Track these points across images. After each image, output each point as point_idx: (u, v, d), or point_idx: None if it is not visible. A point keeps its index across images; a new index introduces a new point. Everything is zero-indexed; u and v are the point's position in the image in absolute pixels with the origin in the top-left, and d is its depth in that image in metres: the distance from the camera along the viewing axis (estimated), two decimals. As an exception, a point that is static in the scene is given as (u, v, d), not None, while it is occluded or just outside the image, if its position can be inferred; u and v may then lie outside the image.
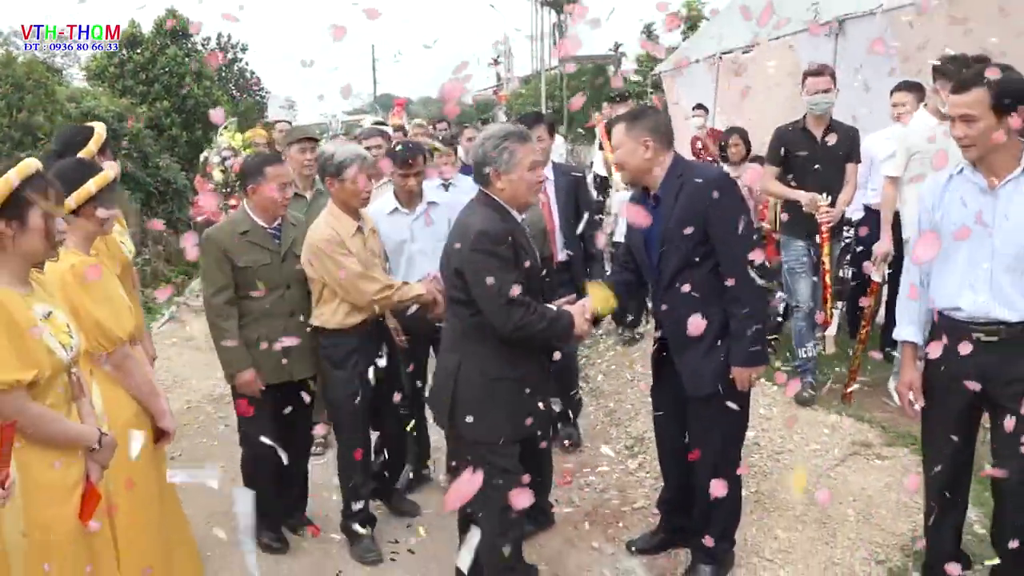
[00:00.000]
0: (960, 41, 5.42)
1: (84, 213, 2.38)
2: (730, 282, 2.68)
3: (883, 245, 4.16)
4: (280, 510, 3.51)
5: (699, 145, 8.47)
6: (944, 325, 2.50)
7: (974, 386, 2.39)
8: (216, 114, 3.72)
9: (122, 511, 2.30)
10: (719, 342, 2.77)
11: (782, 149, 4.34)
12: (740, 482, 3.02)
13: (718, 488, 2.64)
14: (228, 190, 6.07)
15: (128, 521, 2.31)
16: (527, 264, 2.61)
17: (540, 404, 2.73)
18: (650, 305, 3.77)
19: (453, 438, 2.79)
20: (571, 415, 4.45)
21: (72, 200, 2.30)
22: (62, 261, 2.17)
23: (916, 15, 6.17)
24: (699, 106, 9.48)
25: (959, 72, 2.92)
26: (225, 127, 6.63)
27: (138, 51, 18.56)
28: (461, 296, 2.62)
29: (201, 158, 6.81)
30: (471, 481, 1.95)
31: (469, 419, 2.61)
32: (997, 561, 2.54)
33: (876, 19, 6.81)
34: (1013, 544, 2.41)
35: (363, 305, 3.17)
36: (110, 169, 2.43)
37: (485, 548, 2.65)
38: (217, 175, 6.17)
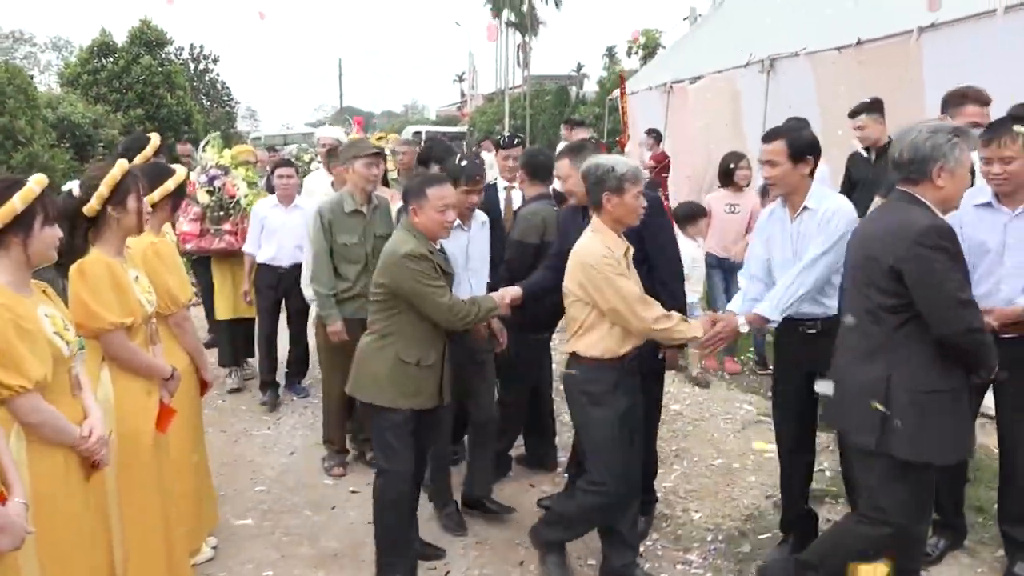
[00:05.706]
0: (864, 84, 6.37)
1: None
2: (662, 276, 3.26)
3: None
4: (415, 550, 3.24)
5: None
6: (784, 320, 3.07)
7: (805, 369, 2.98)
8: None
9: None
10: None
11: None
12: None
13: None
14: (222, 213, 5.46)
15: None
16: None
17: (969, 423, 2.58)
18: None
19: (870, 455, 2.51)
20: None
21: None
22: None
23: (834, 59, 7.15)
24: (650, 131, 10.00)
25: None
26: (208, 143, 5.91)
27: (111, 59, 18.92)
28: (889, 301, 2.42)
29: None
30: None
31: (906, 437, 2.40)
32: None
33: (800, 59, 7.75)
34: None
35: (637, 333, 2.88)
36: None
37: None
38: (203, 197, 5.47)
